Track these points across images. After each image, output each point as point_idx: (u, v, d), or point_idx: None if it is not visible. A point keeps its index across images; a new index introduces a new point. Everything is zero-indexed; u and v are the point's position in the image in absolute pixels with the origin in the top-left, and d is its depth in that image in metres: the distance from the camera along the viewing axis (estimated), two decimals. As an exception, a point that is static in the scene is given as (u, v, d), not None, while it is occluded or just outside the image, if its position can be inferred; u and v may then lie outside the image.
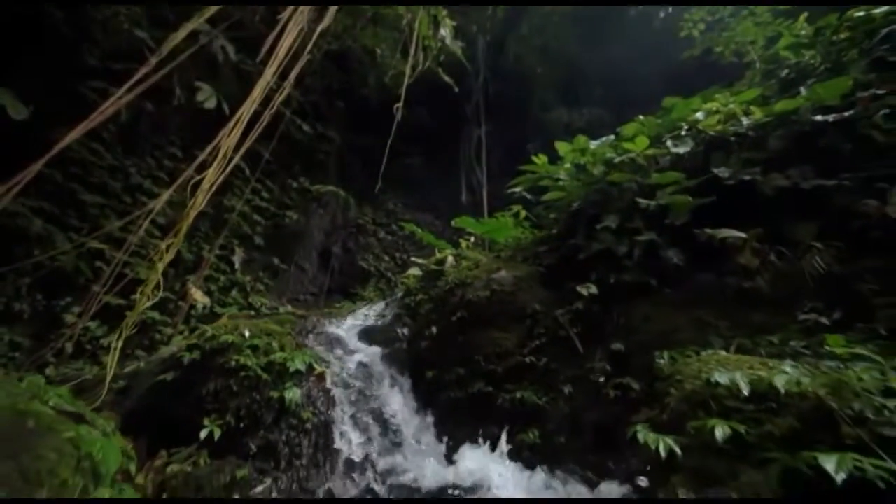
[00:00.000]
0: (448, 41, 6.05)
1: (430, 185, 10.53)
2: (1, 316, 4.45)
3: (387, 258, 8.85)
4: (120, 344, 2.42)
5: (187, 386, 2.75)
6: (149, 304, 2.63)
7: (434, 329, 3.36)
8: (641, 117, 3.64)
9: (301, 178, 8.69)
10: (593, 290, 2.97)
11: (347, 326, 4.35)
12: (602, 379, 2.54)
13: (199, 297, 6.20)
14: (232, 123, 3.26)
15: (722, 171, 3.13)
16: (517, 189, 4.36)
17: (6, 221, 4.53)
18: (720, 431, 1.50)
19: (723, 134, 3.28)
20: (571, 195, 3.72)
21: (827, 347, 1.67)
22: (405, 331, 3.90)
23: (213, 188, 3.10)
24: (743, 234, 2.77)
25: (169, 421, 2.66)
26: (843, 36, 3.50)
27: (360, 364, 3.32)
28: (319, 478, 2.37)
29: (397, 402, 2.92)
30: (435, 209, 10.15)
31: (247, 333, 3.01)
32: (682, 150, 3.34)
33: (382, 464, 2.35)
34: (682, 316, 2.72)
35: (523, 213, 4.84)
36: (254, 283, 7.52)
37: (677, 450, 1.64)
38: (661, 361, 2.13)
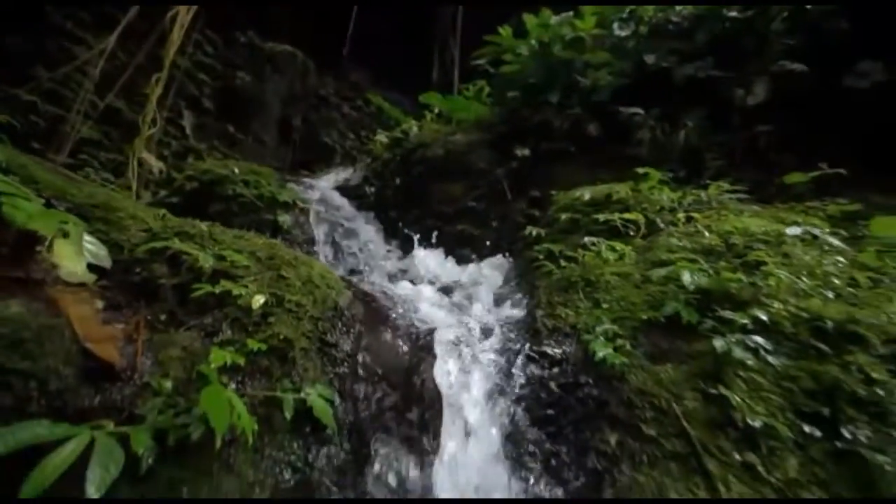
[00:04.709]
0: None
1: (398, 61, 10.33)
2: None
3: (352, 136, 9.27)
4: (136, 163, 3.20)
5: (194, 207, 3.66)
6: (150, 132, 3.33)
7: (397, 181, 4.38)
8: (599, -5, 4.21)
9: (249, 32, 8.30)
10: (526, 152, 4.03)
11: (321, 185, 5.26)
12: (519, 213, 3.78)
13: (152, 161, 6.64)
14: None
15: (648, 57, 3.98)
16: (481, 62, 4.97)
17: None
18: (564, 216, 2.76)
19: (659, 21, 4.02)
20: (525, 70, 4.46)
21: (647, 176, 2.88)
22: (372, 189, 4.90)
23: (186, 26, 3.50)
24: (643, 112, 3.81)
25: (181, 234, 3.65)
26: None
27: (334, 206, 4.36)
28: (311, 270, 3.59)
29: (365, 229, 4.09)
30: (403, 87, 10.21)
31: (236, 170, 3.84)
32: (623, 32, 4.08)
33: (357, 261, 3.59)
34: (586, 174, 3.88)
35: (486, 90, 5.51)
36: (209, 150, 7.85)
37: (543, 233, 2.92)
38: (555, 194, 3.34)
